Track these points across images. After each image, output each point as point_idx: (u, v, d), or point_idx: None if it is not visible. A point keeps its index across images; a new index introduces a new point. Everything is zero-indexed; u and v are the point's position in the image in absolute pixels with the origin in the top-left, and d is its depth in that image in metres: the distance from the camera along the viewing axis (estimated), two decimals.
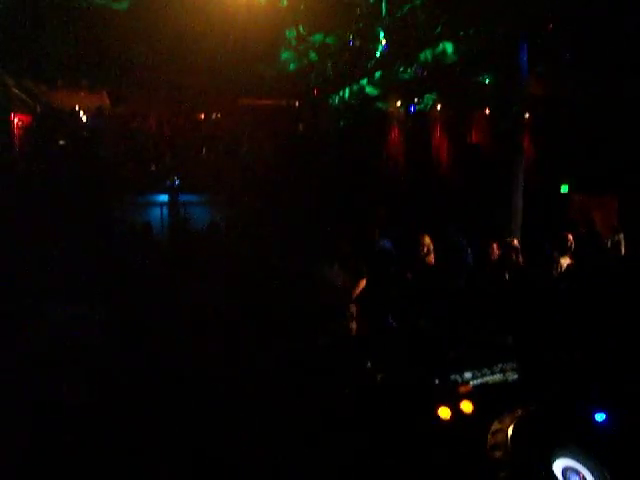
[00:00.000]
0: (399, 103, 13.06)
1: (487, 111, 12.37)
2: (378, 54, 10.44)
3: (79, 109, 11.93)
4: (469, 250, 7.38)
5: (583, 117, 10.80)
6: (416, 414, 1.89)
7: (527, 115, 11.08)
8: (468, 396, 1.91)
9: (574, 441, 1.65)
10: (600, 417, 1.84)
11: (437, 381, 1.97)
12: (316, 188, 10.79)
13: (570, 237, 8.93)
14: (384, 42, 10.34)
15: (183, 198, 11.45)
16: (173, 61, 9.91)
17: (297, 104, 13.41)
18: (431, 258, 7.20)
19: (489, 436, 1.68)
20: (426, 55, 9.89)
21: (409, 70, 10.99)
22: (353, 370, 2.17)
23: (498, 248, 6.85)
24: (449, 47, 9.52)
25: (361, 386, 2.06)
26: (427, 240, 7.33)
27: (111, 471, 2.88)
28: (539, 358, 2.23)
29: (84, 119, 12.01)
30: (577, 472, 1.64)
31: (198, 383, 3.50)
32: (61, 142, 11.38)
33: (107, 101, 11.75)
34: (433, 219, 8.89)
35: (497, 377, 2.08)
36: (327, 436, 2.08)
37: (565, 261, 7.69)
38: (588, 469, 1.60)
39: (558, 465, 1.68)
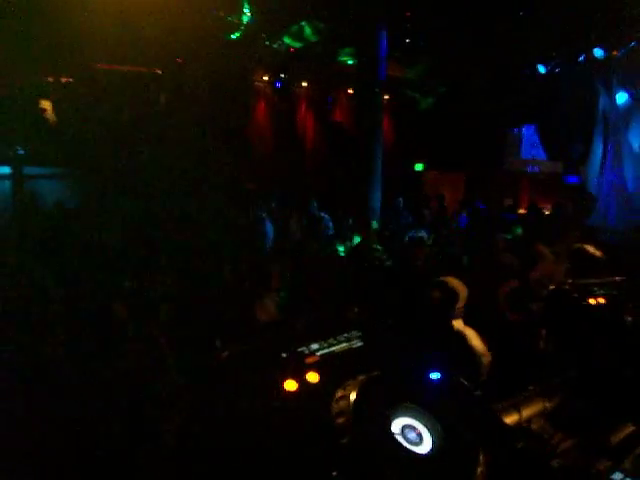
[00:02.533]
0: (266, 78, 12.99)
1: (350, 91, 12.77)
2: (242, 26, 10.24)
3: None
4: (330, 224, 7.63)
5: (437, 100, 11.58)
6: (263, 390, 1.89)
7: (386, 97, 11.60)
8: (314, 366, 1.94)
9: (410, 400, 1.75)
10: (434, 376, 1.97)
11: (284, 354, 1.99)
12: (179, 161, 10.39)
13: (426, 212, 9.60)
14: (249, 14, 10.15)
15: (31, 171, 10.34)
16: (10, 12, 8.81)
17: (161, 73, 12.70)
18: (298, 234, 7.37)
19: (333, 404, 1.73)
20: (288, 33, 9.88)
21: (275, 45, 10.93)
22: (198, 349, 2.12)
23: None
24: (308, 28, 9.60)
25: (207, 365, 2.01)
26: (295, 217, 7.53)
27: None
28: (381, 325, 2.35)
29: None
30: (414, 428, 1.75)
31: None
32: None
33: None
34: (299, 194, 9.02)
35: (343, 345, 2.14)
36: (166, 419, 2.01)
37: (422, 233, 8.24)
38: (422, 424, 1.71)
39: (397, 424, 1.77)
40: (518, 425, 2.13)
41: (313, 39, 9.97)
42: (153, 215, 7.93)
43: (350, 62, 11.41)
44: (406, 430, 1.74)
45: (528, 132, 13.63)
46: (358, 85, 10.40)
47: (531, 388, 2.30)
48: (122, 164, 9.91)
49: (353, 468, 1.77)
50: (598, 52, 10.71)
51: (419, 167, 12.51)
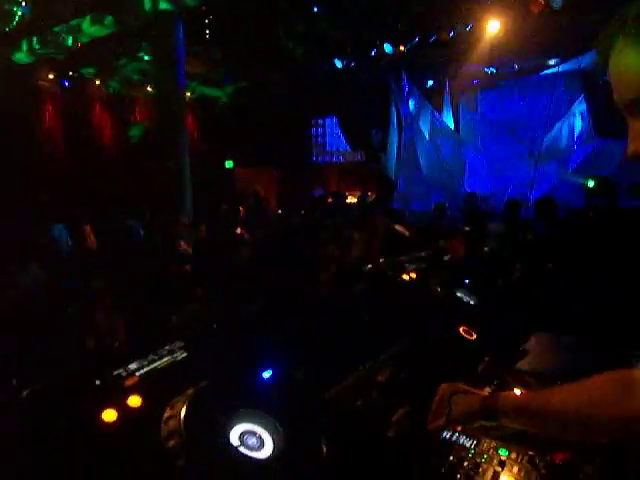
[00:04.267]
0: (52, 76, 11.76)
1: (149, 88, 12.14)
2: (17, 17, 9.10)
3: None
4: (141, 230, 7.17)
5: (238, 96, 11.56)
6: (79, 427, 1.63)
7: (189, 94, 11.30)
8: (135, 389, 1.73)
9: (245, 404, 1.64)
10: (267, 374, 1.88)
11: (98, 381, 1.74)
12: None
13: (241, 209, 9.54)
14: (24, 4, 9.06)
15: None
16: None
17: None
18: (89, 243, 6.76)
19: (162, 426, 1.55)
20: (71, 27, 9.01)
21: (59, 40, 9.91)
22: None
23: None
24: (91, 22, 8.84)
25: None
26: (87, 228, 6.86)
27: None
28: (206, 329, 2.22)
29: None
30: (253, 433, 1.64)
31: None
32: None
33: None
34: (98, 201, 8.34)
35: (166, 360, 1.95)
36: None
37: (238, 230, 8.19)
38: (261, 426, 1.61)
39: (235, 433, 1.65)
40: (353, 405, 2.15)
41: (100, 33, 9.23)
42: None
43: (147, 58, 10.84)
44: (246, 437, 1.64)
45: (331, 123, 14.36)
46: (157, 82, 9.94)
47: (361, 368, 2.35)
48: None
49: None
50: (387, 47, 11.60)
51: (229, 164, 12.40)
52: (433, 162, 12.65)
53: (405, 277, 3.15)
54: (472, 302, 3.10)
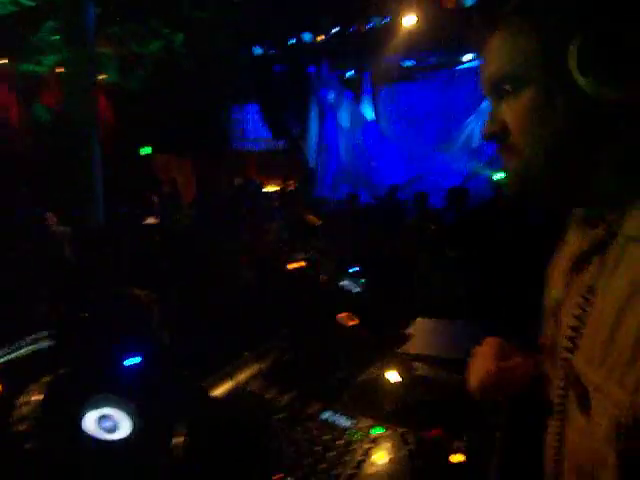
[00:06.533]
0: None
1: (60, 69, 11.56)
2: None
3: None
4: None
5: (154, 81, 11.24)
6: None
7: (102, 76, 10.90)
8: None
9: (104, 388, 1.71)
10: (132, 361, 1.94)
11: None
12: None
13: (155, 198, 9.35)
14: None
15: None
16: None
17: None
18: None
19: (14, 412, 1.59)
20: None
21: None
22: None
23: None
24: None
25: None
26: None
27: None
28: (75, 319, 2.24)
29: None
30: (109, 417, 1.71)
31: None
32: None
33: None
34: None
35: (30, 349, 1.97)
36: None
37: (151, 220, 8.07)
38: (117, 408, 1.68)
39: (90, 417, 1.71)
40: (234, 391, 2.21)
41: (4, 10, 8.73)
42: None
43: (53, 38, 10.34)
44: (101, 421, 1.70)
45: (252, 111, 14.28)
46: (66, 63, 9.51)
47: (246, 354, 2.42)
48: None
49: (40, 472, 1.67)
50: (306, 36, 11.61)
51: (146, 151, 12.07)
52: (352, 151, 12.91)
53: (291, 267, 3.27)
54: (355, 290, 3.26)
